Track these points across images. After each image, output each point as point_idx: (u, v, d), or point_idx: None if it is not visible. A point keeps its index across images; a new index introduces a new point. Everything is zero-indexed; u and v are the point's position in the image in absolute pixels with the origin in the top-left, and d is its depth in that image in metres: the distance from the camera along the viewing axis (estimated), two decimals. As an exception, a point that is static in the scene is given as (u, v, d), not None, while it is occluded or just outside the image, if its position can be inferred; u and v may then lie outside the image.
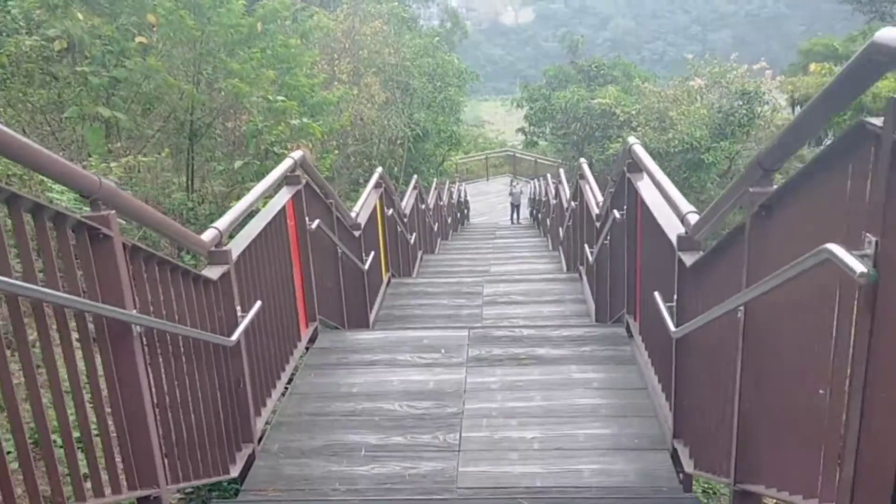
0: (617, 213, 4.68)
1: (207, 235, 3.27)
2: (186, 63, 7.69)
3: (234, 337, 3.24)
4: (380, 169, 7.73)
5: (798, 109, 18.70)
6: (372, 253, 6.67)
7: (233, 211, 3.56)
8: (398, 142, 15.77)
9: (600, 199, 6.39)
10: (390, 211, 7.84)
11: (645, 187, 4.27)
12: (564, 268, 9.44)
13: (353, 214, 6.34)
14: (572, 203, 8.10)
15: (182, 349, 2.89)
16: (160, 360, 2.71)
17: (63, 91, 6.89)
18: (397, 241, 8.53)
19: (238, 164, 7.21)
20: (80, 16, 6.59)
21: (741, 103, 15.75)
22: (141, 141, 7.38)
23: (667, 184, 3.67)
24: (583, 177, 7.51)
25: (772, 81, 16.61)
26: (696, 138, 15.17)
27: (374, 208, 7.26)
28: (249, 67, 7.67)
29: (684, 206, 3.31)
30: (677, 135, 15.37)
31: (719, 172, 16.05)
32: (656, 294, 3.51)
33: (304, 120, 7.64)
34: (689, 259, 3.19)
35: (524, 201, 21.57)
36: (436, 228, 12.47)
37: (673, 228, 3.46)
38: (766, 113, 16.12)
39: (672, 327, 3.21)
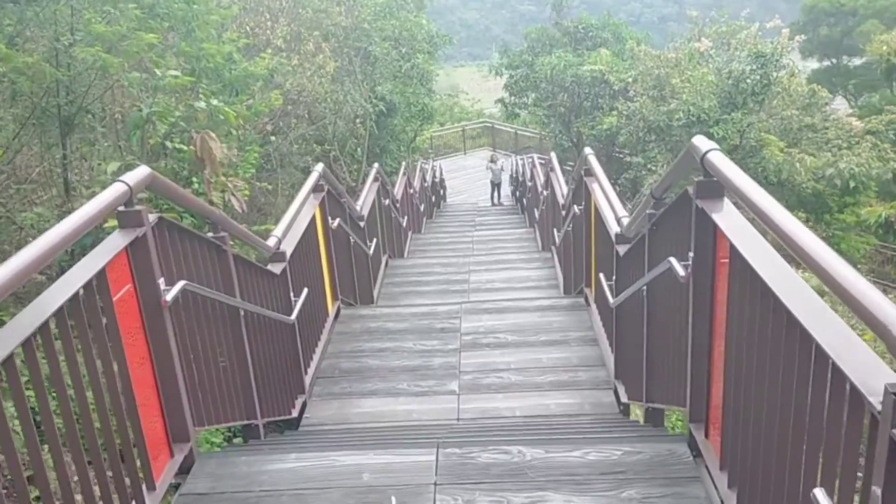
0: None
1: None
2: (42, 24, 5.82)
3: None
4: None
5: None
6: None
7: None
8: (358, 119, 13.45)
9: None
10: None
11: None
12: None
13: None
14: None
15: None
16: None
17: None
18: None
19: (111, 167, 5.19)
20: None
21: (754, 67, 13.60)
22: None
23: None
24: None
25: (789, 42, 14.01)
26: (705, 109, 13.26)
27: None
28: (121, 30, 5.69)
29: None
30: (681, 105, 13.46)
31: (729, 148, 13.55)
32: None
33: (214, 102, 5.67)
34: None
35: (505, 178, 20.93)
36: (404, 223, 11.12)
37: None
38: (782, 79, 14.07)
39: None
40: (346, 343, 5.71)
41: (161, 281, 2.85)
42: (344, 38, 12.90)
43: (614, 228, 4.61)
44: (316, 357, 5.26)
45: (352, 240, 6.81)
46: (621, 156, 17.04)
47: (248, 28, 9.17)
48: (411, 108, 17.18)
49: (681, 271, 2.75)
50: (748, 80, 13.40)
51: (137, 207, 2.75)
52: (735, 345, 2.40)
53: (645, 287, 3.65)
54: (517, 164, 18.53)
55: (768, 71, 13.37)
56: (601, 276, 4.77)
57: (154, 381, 2.90)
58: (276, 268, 4.49)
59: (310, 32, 10.93)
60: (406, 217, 11.31)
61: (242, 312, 3.71)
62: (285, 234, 4.67)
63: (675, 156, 13.32)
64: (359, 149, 14.44)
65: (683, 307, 2.96)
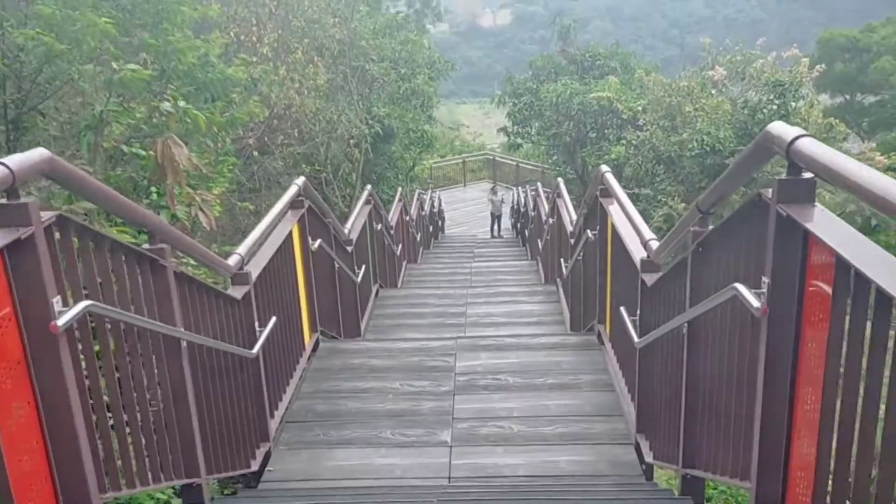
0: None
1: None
2: None
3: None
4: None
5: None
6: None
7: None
8: (352, 141, 12.50)
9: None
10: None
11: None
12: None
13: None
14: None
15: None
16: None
17: None
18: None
19: None
20: None
21: (772, 97, 12.90)
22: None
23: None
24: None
25: (808, 72, 13.41)
26: (720, 139, 12.46)
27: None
28: (71, 15, 4.95)
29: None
30: (694, 135, 12.73)
31: (745, 181, 13.40)
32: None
33: (182, 104, 4.95)
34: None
35: (506, 210, 20.44)
36: (398, 251, 10.32)
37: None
38: (801, 109, 13.22)
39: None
40: (323, 381, 4.96)
41: (56, 300, 2.12)
42: (339, 54, 12.16)
43: (639, 254, 3.91)
44: (286, 397, 4.51)
45: (336, 265, 6.09)
46: (629, 188, 16.43)
47: (232, 35, 8.37)
48: (410, 135, 16.49)
49: (754, 302, 2.03)
50: (765, 111, 12.68)
51: (24, 200, 2.05)
52: (838, 399, 1.68)
53: (686, 324, 2.93)
54: (519, 196, 17.92)
55: (786, 101, 12.67)
56: (622, 310, 4.04)
57: (41, 435, 2.16)
58: (237, 291, 3.77)
59: (299, 41, 10.04)
60: (401, 245, 10.60)
61: (184, 344, 2.98)
62: (252, 252, 3.96)
63: (686, 188, 12.66)
64: (353, 173, 13.68)
65: (750, 349, 2.24)
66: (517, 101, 18.33)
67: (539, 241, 10.85)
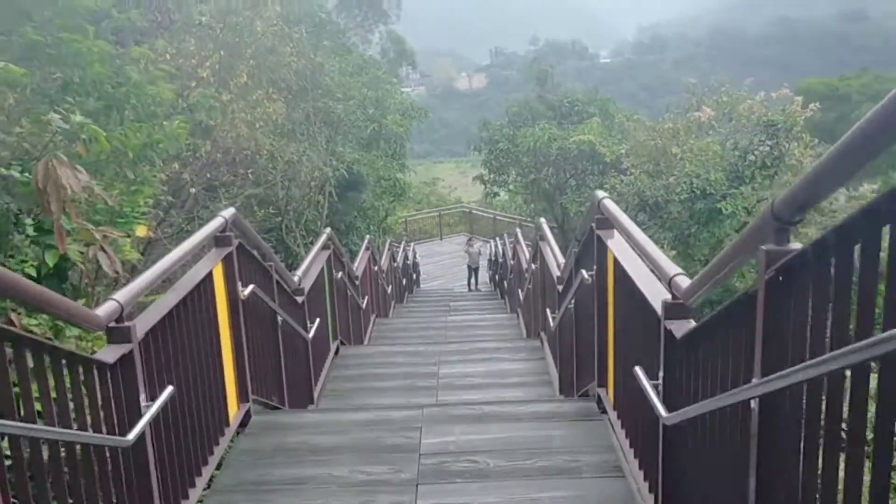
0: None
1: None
2: None
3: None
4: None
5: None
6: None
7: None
8: (313, 184, 11.67)
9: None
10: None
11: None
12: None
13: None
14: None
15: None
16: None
17: None
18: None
19: None
20: None
21: (763, 138, 12.14)
22: None
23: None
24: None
25: (802, 111, 12.67)
26: (711, 182, 11.73)
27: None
28: None
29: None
30: (682, 178, 11.95)
31: (738, 226, 12.23)
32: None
33: (78, 118, 3.99)
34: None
35: (483, 263, 19.49)
36: (363, 304, 9.32)
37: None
38: (794, 151, 12.55)
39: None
40: (249, 468, 3.84)
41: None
42: (300, 90, 11.15)
43: (660, 296, 2.93)
44: (193, 495, 3.38)
45: (280, 318, 5.02)
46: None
47: (167, 55, 6.91)
48: (382, 183, 15.61)
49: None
50: (756, 152, 11.97)
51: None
52: None
53: (756, 400, 1.92)
54: (496, 246, 17.10)
55: (779, 142, 11.92)
56: (638, 371, 3.02)
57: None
58: (111, 353, 2.72)
59: (245, 63, 8.66)
60: (367, 297, 9.54)
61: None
62: (135, 297, 2.91)
63: (674, 235, 11.81)
64: (318, 220, 12.55)
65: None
66: (493, 148, 17.44)
67: (520, 291, 9.86)
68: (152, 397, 2.93)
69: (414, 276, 18.81)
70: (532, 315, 8.15)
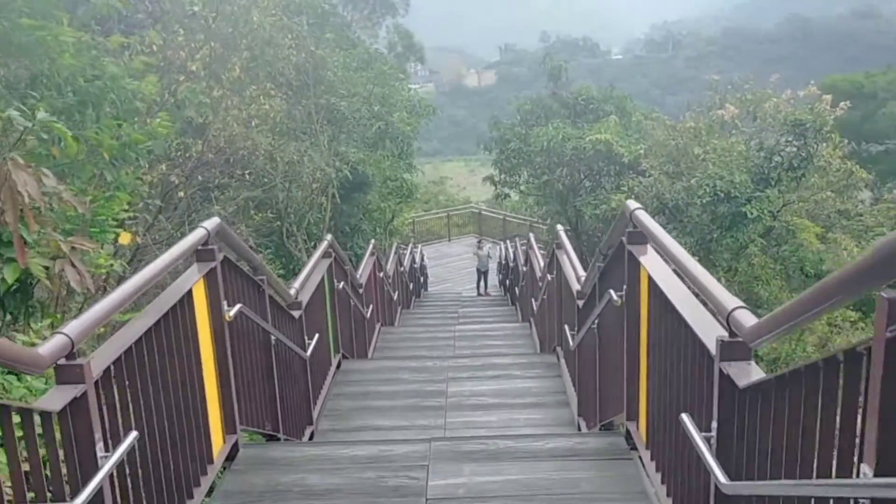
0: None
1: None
2: None
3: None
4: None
5: None
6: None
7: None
8: (315, 186, 11.08)
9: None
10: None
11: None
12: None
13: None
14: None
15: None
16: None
17: None
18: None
19: None
20: None
21: (790, 139, 11.45)
22: None
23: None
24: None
25: (831, 110, 11.97)
26: (735, 184, 11.06)
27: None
28: None
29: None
30: (705, 180, 11.29)
31: (763, 230, 11.76)
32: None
33: (42, 115, 3.49)
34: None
35: (492, 266, 18.93)
36: (368, 314, 8.78)
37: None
38: (823, 152, 11.95)
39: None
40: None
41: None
42: (301, 86, 10.53)
43: (713, 331, 2.47)
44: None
45: (273, 339, 4.56)
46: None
47: (154, 47, 6.26)
48: (388, 184, 15.03)
49: None
50: (783, 153, 11.35)
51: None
52: None
53: (868, 502, 1.45)
54: (507, 250, 16.57)
55: (807, 142, 11.22)
56: (685, 420, 2.55)
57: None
58: (56, 398, 2.27)
59: (239, 55, 8.00)
60: (371, 307, 9.08)
61: None
62: (89, 329, 2.46)
63: (696, 240, 11.28)
64: (322, 224, 12.00)
65: None
66: (504, 148, 16.79)
67: (533, 301, 9.37)
68: (116, 445, 2.49)
69: (421, 279, 18.32)
70: (547, 328, 7.67)
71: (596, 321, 4.49)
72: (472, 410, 5.93)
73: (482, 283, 18.21)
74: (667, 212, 11.83)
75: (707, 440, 2.43)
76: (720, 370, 2.36)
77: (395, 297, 12.32)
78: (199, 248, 3.58)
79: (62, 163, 4.23)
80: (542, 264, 8.75)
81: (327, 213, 12.23)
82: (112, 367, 2.60)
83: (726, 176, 11.05)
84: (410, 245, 19.09)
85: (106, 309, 2.55)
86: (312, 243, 11.47)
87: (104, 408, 2.51)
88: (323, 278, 6.45)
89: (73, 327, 2.39)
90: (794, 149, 11.28)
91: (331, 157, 11.25)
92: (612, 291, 3.77)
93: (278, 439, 4.63)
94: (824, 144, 11.73)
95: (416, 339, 9.60)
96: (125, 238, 5.10)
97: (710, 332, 2.53)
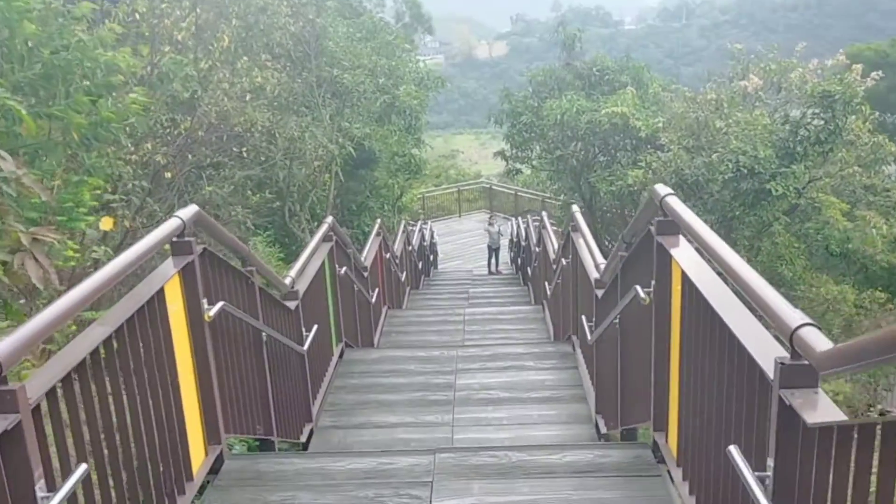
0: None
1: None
2: None
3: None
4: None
5: None
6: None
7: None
8: (316, 164, 10.42)
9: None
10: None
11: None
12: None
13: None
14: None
15: None
16: None
17: None
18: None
19: None
20: None
21: (818, 111, 10.84)
22: None
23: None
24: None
25: (861, 80, 11.37)
26: (760, 160, 10.53)
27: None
28: None
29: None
30: (727, 155, 10.77)
31: (787, 208, 11.29)
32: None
33: None
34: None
35: (504, 243, 18.48)
36: (373, 299, 8.16)
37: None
38: (852, 125, 11.36)
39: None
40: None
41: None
42: (302, 57, 10.00)
43: (769, 349, 2.07)
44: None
45: (264, 335, 4.18)
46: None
47: (138, 15, 5.85)
48: (396, 160, 14.51)
49: None
50: (809, 127, 10.71)
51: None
52: None
53: None
54: (519, 227, 16.10)
55: (835, 115, 10.55)
56: (734, 455, 2.14)
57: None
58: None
59: (228, 23, 7.38)
60: (377, 290, 8.69)
61: None
62: (23, 349, 2.06)
63: (717, 218, 10.79)
64: (326, 203, 11.57)
65: None
66: (516, 122, 16.15)
67: (546, 284, 8.95)
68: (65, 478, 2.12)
69: (431, 257, 17.93)
70: (561, 314, 7.25)
71: (617, 318, 4.08)
72: (482, 405, 5.56)
73: (493, 261, 17.81)
74: (685, 188, 11.31)
75: (761, 480, 2.02)
76: (780, 399, 1.95)
77: (403, 278, 11.93)
78: (175, 240, 3.19)
79: (30, 143, 3.84)
80: (555, 246, 8.31)
81: (331, 191, 11.80)
82: (58, 389, 2.22)
83: (749, 151, 10.48)
84: (419, 222, 18.68)
85: (44, 324, 2.15)
86: (316, 223, 11.02)
87: (45, 439, 2.13)
88: (323, 264, 6.05)
89: (10, 341, 2.00)
90: (822, 122, 10.64)
91: (334, 132, 10.73)
92: (638, 287, 3.35)
93: (272, 442, 4.27)
94: (853, 117, 11.08)
95: (425, 323, 9.21)
96: (107, 224, 4.71)
97: (764, 349, 2.12)
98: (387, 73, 13.02)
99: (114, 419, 2.56)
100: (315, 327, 5.23)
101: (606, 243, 15.38)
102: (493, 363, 6.32)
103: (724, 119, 11.26)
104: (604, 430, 4.87)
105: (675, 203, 3.10)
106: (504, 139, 16.62)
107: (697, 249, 2.91)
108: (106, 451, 2.49)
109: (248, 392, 3.99)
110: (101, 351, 2.51)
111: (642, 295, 3.27)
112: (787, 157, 10.62)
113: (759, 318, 2.31)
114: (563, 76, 16.17)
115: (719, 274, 2.70)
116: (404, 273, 12.02)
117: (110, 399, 2.55)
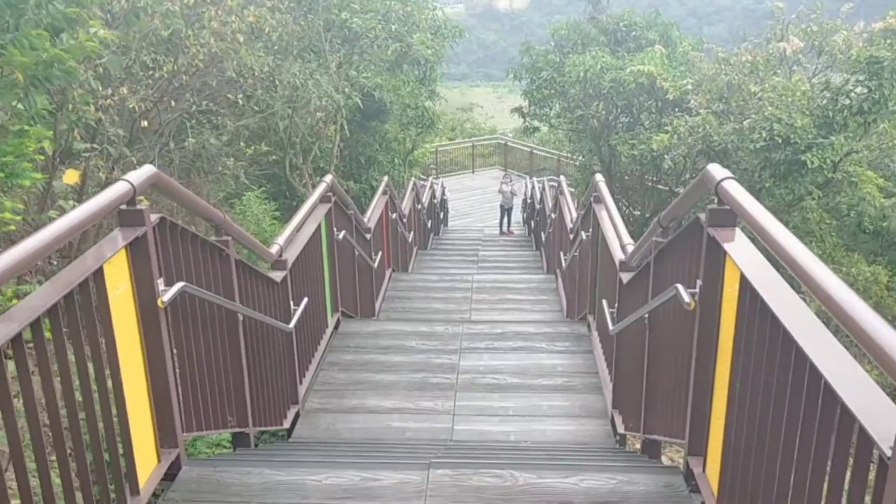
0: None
1: None
2: None
3: None
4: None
5: None
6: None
7: None
8: (319, 115, 9.71)
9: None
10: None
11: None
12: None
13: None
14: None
15: None
16: None
17: None
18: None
19: None
20: None
21: (862, 78, 9.95)
22: None
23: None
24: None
25: None
26: (797, 129, 9.76)
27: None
28: None
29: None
30: (761, 122, 9.96)
31: (823, 181, 10.60)
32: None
33: None
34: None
35: (517, 203, 17.95)
36: (376, 264, 7.57)
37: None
38: None
39: None
40: None
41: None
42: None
43: (876, 403, 1.50)
44: None
45: (241, 316, 3.65)
46: (665, 186, 13.66)
47: None
48: (408, 112, 13.73)
49: None
50: (851, 95, 9.85)
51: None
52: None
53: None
54: (534, 188, 15.46)
55: (881, 83, 9.57)
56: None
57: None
58: None
59: None
60: (381, 254, 8.14)
61: None
62: None
63: (746, 188, 10.06)
64: (334, 155, 10.78)
65: None
66: (536, 77, 15.22)
67: (562, 254, 8.37)
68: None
69: (441, 214, 17.37)
70: (577, 291, 6.69)
71: (646, 316, 3.51)
72: (487, 392, 5.07)
73: (505, 221, 17.25)
74: (711, 155, 10.60)
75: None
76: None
77: (411, 239, 11.37)
78: (123, 208, 2.64)
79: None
80: (573, 214, 7.71)
81: (336, 144, 11.06)
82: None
83: (785, 119, 9.66)
84: (431, 179, 18.02)
85: None
86: (319, 177, 10.41)
87: None
88: (320, 227, 5.50)
89: None
90: (866, 90, 9.78)
91: (341, 81, 10.00)
92: (680, 287, 2.77)
93: (246, 436, 3.78)
94: (900, 86, 10.17)
95: (431, 289, 8.66)
96: (72, 177, 4.19)
97: (869, 404, 1.56)
98: (401, 18, 12.21)
99: (26, 437, 2.05)
100: (304, 301, 4.71)
101: (624, 208, 14.72)
102: (501, 343, 5.80)
103: (760, 83, 10.43)
104: (621, 429, 4.37)
105: (736, 189, 2.52)
106: (522, 95, 15.81)
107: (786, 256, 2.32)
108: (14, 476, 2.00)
109: (219, 381, 3.48)
110: (9, 352, 1.99)
111: (686, 298, 2.70)
112: (826, 126, 9.81)
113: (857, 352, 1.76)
114: (587, 31, 15.20)
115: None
116: (412, 233, 11.46)
117: (23, 409, 2.03)
